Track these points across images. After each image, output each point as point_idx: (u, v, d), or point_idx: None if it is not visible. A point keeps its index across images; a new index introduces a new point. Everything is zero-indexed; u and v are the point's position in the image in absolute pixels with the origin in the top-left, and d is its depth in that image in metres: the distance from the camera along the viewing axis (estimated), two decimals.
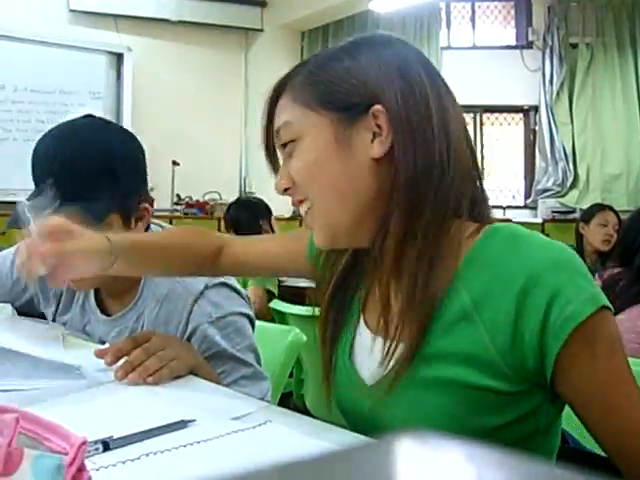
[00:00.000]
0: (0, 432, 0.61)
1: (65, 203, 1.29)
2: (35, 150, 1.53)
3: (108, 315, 1.58)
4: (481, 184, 1.01)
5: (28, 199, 1.24)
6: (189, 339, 1.42)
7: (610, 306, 0.87)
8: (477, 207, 0.98)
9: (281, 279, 3.41)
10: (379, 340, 1.01)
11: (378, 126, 0.94)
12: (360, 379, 1.03)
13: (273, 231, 3.67)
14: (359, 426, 1.02)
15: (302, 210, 1.02)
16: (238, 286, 1.53)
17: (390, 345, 0.97)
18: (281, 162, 1.05)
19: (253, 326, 1.53)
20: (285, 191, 1.02)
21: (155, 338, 1.27)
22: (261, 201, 3.88)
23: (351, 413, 1.06)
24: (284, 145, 1.01)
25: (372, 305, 1.07)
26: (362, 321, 1.07)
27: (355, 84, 0.95)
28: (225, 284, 1.48)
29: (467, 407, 0.90)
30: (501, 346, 0.87)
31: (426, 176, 0.93)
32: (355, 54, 0.97)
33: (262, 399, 1.29)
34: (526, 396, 0.90)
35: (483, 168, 6.99)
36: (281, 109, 1.01)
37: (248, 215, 3.66)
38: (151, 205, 1.55)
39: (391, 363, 0.96)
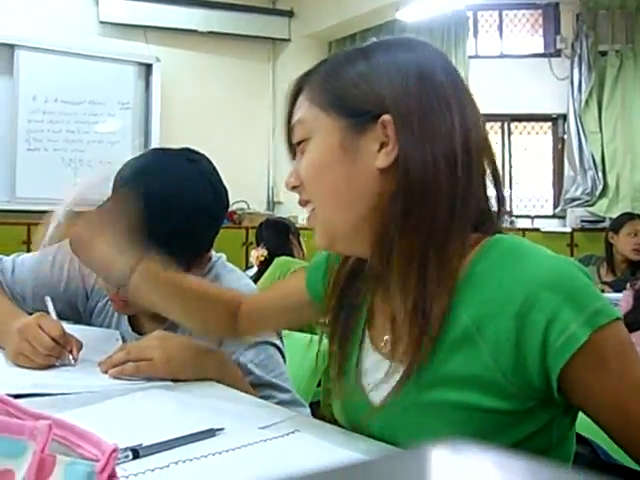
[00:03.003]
0: (34, 439, 0.62)
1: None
2: (124, 176, 1.46)
3: (139, 332, 1.59)
4: (500, 194, 0.97)
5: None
6: None
7: (618, 315, 0.84)
8: (488, 219, 0.96)
9: None
10: (384, 360, 1.00)
11: (387, 136, 0.92)
12: (369, 401, 1.01)
13: (301, 247, 4.10)
14: None
15: (307, 210, 1.01)
16: None
17: (392, 366, 0.95)
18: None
19: (283, 357, 1.51)
20: (293, 189, 1.02)
21: (153, 340, 1.34)
22: (288, 220, 4.42)
23: (363, 434, 1.03)
24: (298, 143, 1.00)
25: (375, 324, 1.05)
26: (368, 341, 1.05)
27: (366, 91, 0.93)
28: None
29: (476, 429, 0.87)
30: (504, 366, 0.85)
31: (439, 190, 0.90)
32: (370, 57, 0.96)
33: None
34: (536, 413, 0.88)
35: (511, 177, 6.94)
36: (298, 106, 1.01)
37: (277, 234, 4.06)
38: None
39: (396, 384, 0.93)
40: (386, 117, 0.91)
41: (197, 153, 1.54)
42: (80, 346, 1.41)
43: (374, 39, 1.01)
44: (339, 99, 0.95)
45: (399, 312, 0.94)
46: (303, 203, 1.02)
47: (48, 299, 1.51)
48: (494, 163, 0.98)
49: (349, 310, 1.08)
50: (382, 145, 0.92)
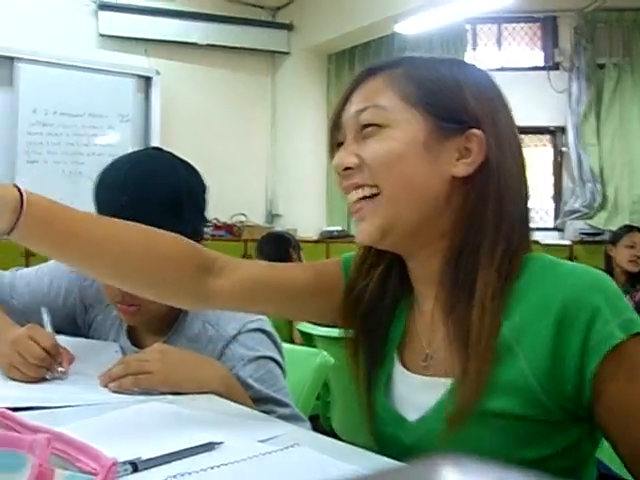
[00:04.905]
0: (32, 452, 0.62)
1: None
2: (101, 180, 1.49)
3: (139, 346, 1.58)
4: (527, 212, 1.03)
5: None
6: None
7: None
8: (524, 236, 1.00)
9: None
10: (422, 379, 1.01)
11: (466, 148, 0.95)
12: (400, 416, 1.02)
13: (301, 260, 4.11)
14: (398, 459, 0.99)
15: (354, 196, 0.99)
16: (274, 333, 1.50)
17: (432, 381, 0.98)
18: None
19: (283, 372, 1.50)
20: (345, 170, 1.00)
21: (152, 353, 1.32)
22: (288, 234, 4.48)
23: (390, 447, 1.04)
24: (364, 125, 0.99)
25: (411, 344, 1.06)
26: (398, 362, 1.06)
27: (464, 101, 0.97)
28: (261, 330, 1.47)
29: (508, 438, 0.89)
30: (539, 373, 0.87)
31: (512, 207, 0.96)
32: (464, 70, 1.00)
33: None
34: (565, 429, 0.89)
35: None
36: (373, 91, 1.00)
37: (277, 248, 4.10)
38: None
39: (457, 399, 0.92)
40: (476, 132, 0.95)
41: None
42: (72, 359, 1.40)
43: (446, 55, 1.07)
44: (433, 98, 0.97)
45: (462, 320, 0.94)
46: (353, 186, 1.00)
47: (44, 310, 1.51)
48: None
49: (377, 331, 1.09)
50: (460, 154, 0.96)
